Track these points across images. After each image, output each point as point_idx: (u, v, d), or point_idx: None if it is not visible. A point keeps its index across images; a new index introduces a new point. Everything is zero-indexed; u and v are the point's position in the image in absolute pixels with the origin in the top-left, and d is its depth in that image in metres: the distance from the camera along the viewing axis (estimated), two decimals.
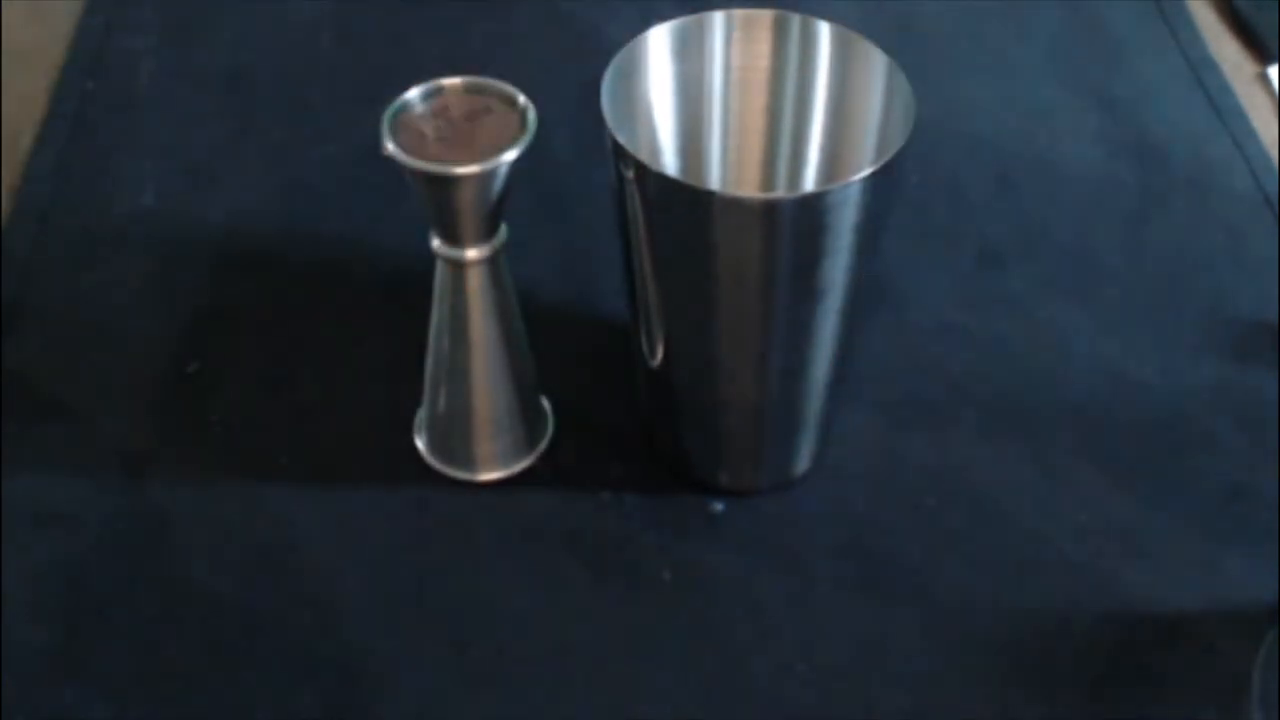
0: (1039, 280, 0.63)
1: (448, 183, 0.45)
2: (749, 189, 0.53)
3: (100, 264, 0.62)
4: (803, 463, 0.53)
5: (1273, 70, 0.74)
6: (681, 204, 0.44)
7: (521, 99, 0.47)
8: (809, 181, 0.52)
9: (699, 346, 0.49)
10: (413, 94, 0.46)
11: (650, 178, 0.43)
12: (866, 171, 0.42)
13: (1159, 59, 0.75)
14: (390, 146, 0.45)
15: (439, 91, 0.47)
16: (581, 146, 0.65)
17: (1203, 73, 0.74)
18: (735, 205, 0.43)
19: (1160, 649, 0.49)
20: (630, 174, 0.44)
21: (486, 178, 0.45)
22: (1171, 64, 0.75)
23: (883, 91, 0.47)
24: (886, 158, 0.43)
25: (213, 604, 0.50)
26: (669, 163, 0.51)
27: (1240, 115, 0.71)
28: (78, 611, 0.50)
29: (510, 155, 0.45)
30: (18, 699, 0.47)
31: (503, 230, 0.48)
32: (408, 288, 0.61)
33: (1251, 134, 0.70)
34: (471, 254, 0.48)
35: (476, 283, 0.49)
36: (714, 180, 0.53)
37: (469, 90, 0.47)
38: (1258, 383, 0.58)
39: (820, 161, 0.52)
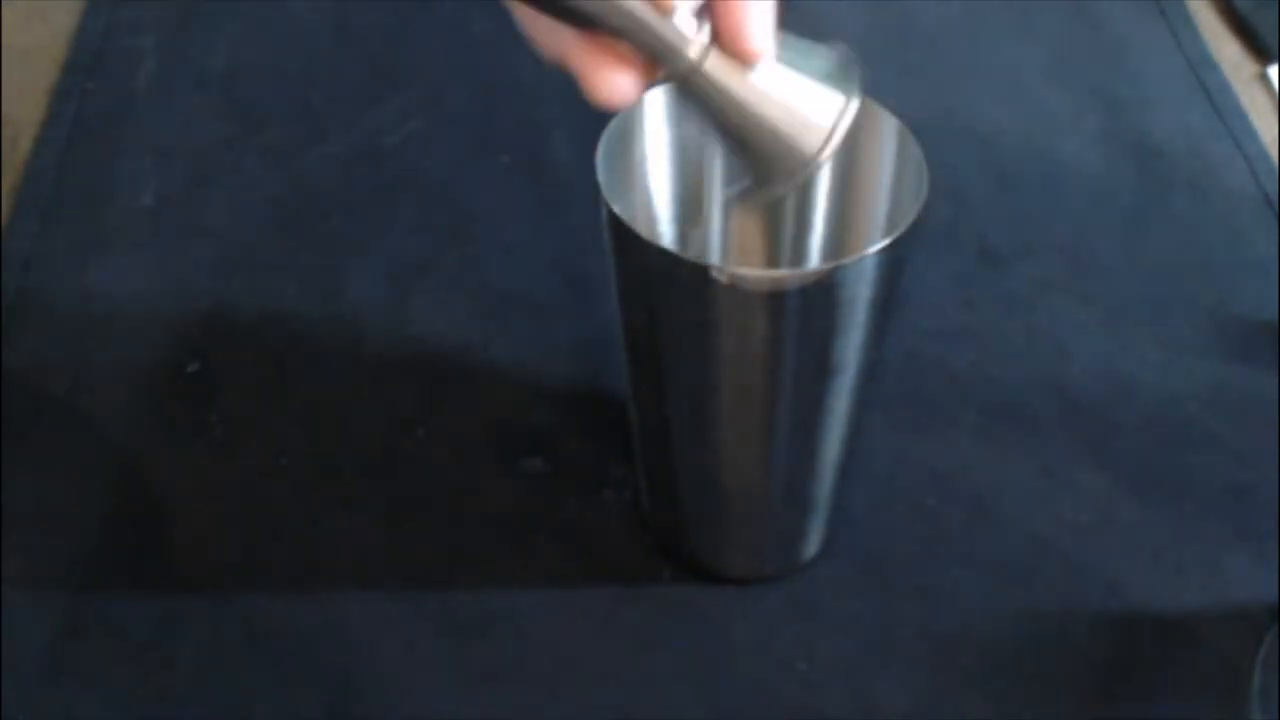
0: (1039, 280, 0.63)
1: None
2: (752, 259, 0.50)
3: (100, 264, 0.62)
4: (811, 548, 0.51)
5: (1273, 70, 0.74)
6: (680, 279, 0.40)
7: None
8: (815, 251, 0.49)
9: (700, 427, 0.46)
10: None
11: (648, 251, 0.40)
12: (883, 243, 0.39)
13: (1159, 59, 0.75)
14: None
15: None
16: (581, 147, 0.65)
17: (1203, 73, 0.74)
18: (738, 282, 0.40)
19: (1160, 649, 0.49)
20: (626, 246, 0.41)
21: None
22: (1171, 64, 0.74)
23: (894, 155, 0.44)
24: (900, 225, 0.40)
25: (213, 604, 0.50)
26: (667, 232, 0.48)
27: (1240, 115, 0.71)
28: (78, 611, 0.50)
29: None
30: (18, 699, 0.47)
31: None
32: (407, 288, 0.62)
33: (1251, 134, 0.70)
34: None
35: None
36: (715, 251, 0.50)
37: None
38: (1258, 383, 0.58)
39: (827, 231, 0.48)
